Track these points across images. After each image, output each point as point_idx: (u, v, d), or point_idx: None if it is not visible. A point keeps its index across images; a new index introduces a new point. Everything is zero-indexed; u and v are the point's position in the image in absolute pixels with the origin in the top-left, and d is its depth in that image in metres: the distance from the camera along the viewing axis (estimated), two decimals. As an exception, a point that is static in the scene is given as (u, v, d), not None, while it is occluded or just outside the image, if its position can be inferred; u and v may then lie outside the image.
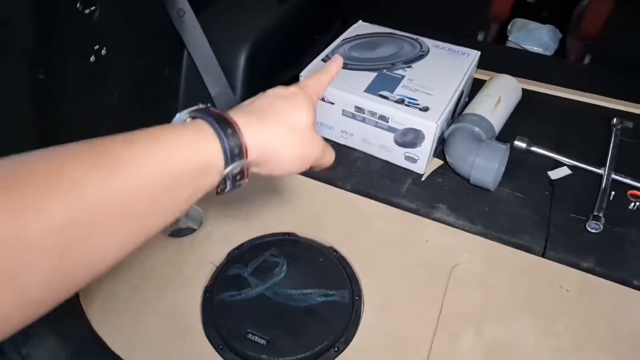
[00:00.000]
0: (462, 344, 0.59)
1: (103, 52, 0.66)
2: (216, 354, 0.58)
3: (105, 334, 0.60)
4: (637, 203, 0.75)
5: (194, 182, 0.35)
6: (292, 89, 0.46)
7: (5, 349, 0.54)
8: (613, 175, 0.78)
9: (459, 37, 0.94)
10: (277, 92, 0.45)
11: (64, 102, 0.64)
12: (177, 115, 0.40)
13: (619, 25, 1.04)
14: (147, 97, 0.80)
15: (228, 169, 0.37)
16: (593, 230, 0.71)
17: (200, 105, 0.40)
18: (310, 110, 0.45)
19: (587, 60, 1.11)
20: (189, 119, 0.39)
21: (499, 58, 1.03)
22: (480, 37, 1.19)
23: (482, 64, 0.89)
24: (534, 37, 1.34)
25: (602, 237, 0.71)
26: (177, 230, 0.79)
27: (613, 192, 0.76)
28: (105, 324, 0.61)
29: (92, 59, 0.65)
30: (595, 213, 0.71)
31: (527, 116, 0.90)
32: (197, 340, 0.59)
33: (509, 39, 1.36)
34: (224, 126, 0.37)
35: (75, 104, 0.66)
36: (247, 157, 0.39)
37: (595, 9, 1.04)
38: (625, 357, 0.58)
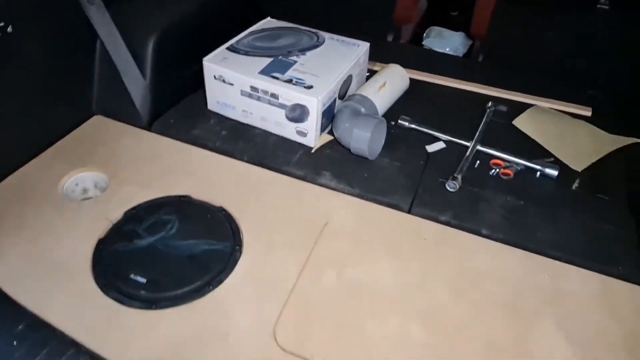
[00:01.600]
0: (323, 282, 0.67)
1: (9, 29, 0.73)
2: (101, 293, 0.64)
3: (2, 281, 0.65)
4: (497, 170, 0.86)
5: None
6: None
7: None
8: (479, 147, 0.89)
9: (369, 37, 1.04)
10: None
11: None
12: None
13: (502, 25, 1.18)
14: (61, 82, 0.87)
15: None
16: (451, 189, 0.81)
17: None
18: None
19: (480, 58, 1.24)
20: None
21: (399, 54, 1.15)
22: (389, 38, 1.31)
23: (387, 60, 1.00)
24: (447, 43, 1.48)
25: (460, 195, 0.81)
26: (86, 200, 0.85)
27: (478, 161, 0.87)
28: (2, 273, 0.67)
29: (-2, 34, 0.72)
30: (455, 175, 0.81)
31: (414, 101, 1.01)
32: (85, 282, 0.65)
33: (423, 43, 1.49)
34: None
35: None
36: None
37: (480, 9, 1.18)
38: (463, 290, 0.67)
